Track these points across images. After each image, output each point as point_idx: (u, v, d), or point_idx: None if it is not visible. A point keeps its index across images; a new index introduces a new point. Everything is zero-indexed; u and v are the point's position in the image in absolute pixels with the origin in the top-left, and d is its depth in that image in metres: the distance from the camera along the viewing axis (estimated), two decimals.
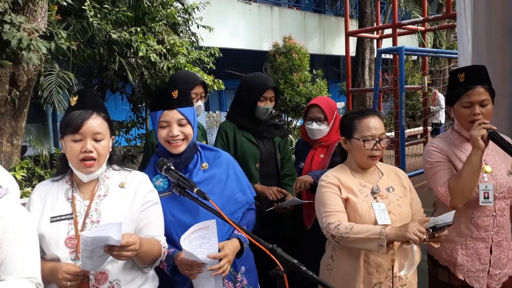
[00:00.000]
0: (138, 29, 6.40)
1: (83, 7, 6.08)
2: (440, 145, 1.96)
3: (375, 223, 1.71)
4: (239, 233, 1.76)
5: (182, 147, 1.74)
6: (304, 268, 1.11)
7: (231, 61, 13.78)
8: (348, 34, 8.23)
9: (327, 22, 15.78)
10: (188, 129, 1.76)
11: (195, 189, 1.37)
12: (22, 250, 1.30)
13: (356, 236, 1.62)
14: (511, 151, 1.74)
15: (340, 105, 16.55)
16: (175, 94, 1.73)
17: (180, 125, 1.74)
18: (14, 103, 5.16)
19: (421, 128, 8.94)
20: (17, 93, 5.15)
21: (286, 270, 1.11)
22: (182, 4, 8.22)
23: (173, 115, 1.73)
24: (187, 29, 8.39)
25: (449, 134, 2.02)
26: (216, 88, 7.55)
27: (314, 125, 2.54)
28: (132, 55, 6.61)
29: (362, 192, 1.79)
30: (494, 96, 1.90)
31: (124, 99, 7.97)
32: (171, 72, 6.75)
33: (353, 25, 13.59)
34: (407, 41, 14.93)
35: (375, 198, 1.79)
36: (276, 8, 14.36)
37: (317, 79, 11.11)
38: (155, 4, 6.79)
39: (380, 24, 9.40)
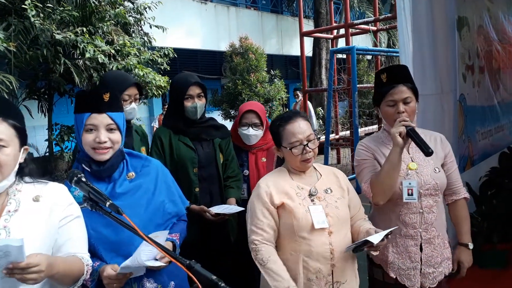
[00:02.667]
0: (85, 29, 6.12)
1: (23, 6, 5.73)
2: (368, 143, 1.97)
3: (312, 226, 1.66)
4: (173, 237, 1.71)
5: (107, 154, 1.61)
6: (223, 285, 1.02)
7: (188, 62, 13.56)
8: (302, 35, 8.27)
9: (284, 23, 15.87)
10: (116, 136, 1.63)
11: (108, 203, 1.24)
12: None
13: (267, 274, 1.65)
14: (424, 148, 1.75)
15: None
16: (106, 97, 1.59)
17: (109, 130, 1.61)
18: None
19: (375, 126, 9.11)
20: None
21: (204, 287, 1.02)
22: (133, 3, 7.97)
23: (102, 119, 1.59)
24: (139, 29, 8.15)
25: (380, 133, 2.04)
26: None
27: (251, 131, 2.51)
28: (79, 56, 6.31)
29: (300, 195, 1.73)
30: (417, 94, 1.91)
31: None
32: None
33: (310, 25, 13.73)
34: (363, 41, 15.26)
35: (312, 200, 1.73)
36: (232, 8, 14.27)
37: (275, 80, 11.14)
38: (103, 3, 6.53)
39: (335, 24, 9.51)
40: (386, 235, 1.58)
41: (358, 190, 2.02)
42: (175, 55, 7.97)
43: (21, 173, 1.42)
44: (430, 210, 1.90)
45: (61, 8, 6.14)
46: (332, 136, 8.07)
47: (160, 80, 6.97)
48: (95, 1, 6.38)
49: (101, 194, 1.25)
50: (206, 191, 2.38)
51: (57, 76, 6.26)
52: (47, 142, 7.55)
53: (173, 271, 1.69)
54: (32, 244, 1.28)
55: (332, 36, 9.53)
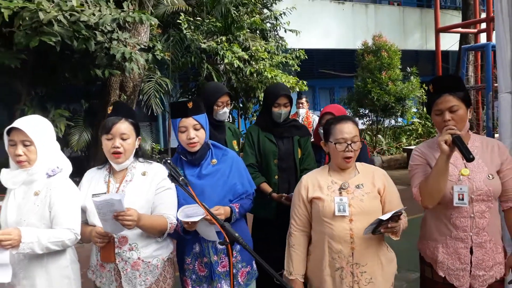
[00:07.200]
0: (224, 38, 7.08)
1: (178, 20, 6.96)
2: (422, 149, 2.08)
3: (333, 214, 1.94)
4: (232, 205, 2.16)
5: (196, 147, 2.14)
6: (241, 241, 1.50)
7: (325, 61, 13.94)
8: (438, 31, 7.89)
9: (430, 16, 14.94)
10: (201, 133, 2.14)
11: (180, 178, 1.68)
12: (66, 210, 1.91)
13: (287, 254, 2.10)
14: (466, 155, 1.80)
15: None
16: (190, 105, 2.11)
17: (195, 129, 2.12)
18: None
19: None
20: (125, 97, 6.19)
21: (230, 242, 1.52)
22: (270, 10, 8.74)
23: (190, 121, 2.11)
24: (275, 33, 8.88)
25: (436, 139, 2.08)
26: (298, 89, 7.90)
27: None
28: (220, 62, 7.34)
29: (330, 188, 2.01)
30: (468, 102, 1.95)
31: None
32: (254, 76, 7.34)
33: (458, 17, 12.74)
34: None
35: (340, 193, 1.98)
36: (371, 5, 14.10)
37: (411, 77, 10.70)
38: (241, 13, 7.42)
39: (474, 19, 8.73)
40: (394, 216, 1.79)
41: None
42: (306, 56, 8.45)
43: (137, 155, 2.10)
44: (482, 215, 1.94)
45: (207, 20, 7.23)
46: None
47: (289, 81, 7.57)
48: (235, 12, 7.33)
49: (178, 173, 1.73)
50: (285, 180, 2.84)
51: (202, 79, 7.37)
52: None
53: (241, 235, 2.17)
54: (139, 204, 1.93)
55: (476, 30, 8.80)
